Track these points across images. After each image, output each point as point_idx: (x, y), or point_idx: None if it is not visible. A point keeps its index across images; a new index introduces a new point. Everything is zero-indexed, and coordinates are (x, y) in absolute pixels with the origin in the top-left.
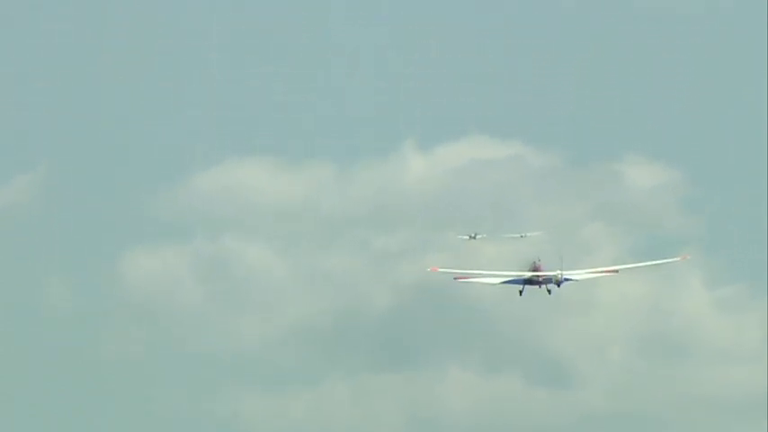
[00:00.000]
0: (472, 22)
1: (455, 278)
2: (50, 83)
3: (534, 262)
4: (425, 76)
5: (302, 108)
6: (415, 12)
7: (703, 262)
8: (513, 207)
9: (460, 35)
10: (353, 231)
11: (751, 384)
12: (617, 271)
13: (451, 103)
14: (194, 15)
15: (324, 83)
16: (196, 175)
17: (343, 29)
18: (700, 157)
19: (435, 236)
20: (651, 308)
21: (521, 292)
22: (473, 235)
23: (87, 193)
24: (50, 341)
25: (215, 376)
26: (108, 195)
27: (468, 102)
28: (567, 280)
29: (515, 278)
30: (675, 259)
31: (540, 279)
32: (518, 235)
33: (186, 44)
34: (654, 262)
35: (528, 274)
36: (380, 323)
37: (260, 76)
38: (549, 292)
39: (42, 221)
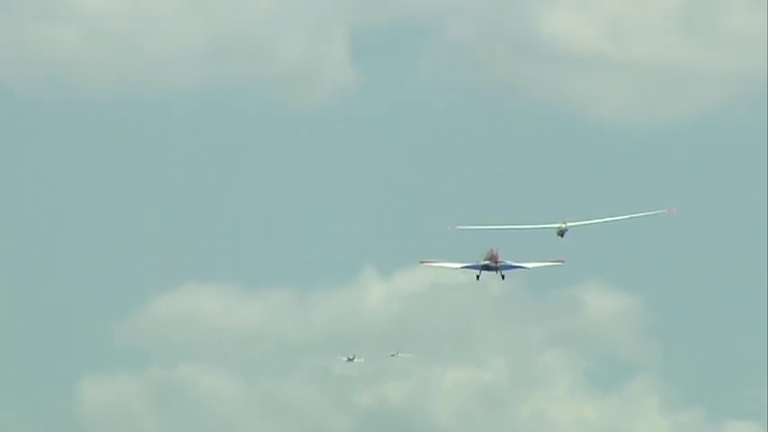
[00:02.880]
0: (424, 149)
1: (421, 262)
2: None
3: (492, 249)
4: (382, 201)
5: (260, 235)
6: (367, 140)
7: (659, 387)
8: (472, 332)
9: (415, 160)
10: (312, 358)
11: None
12: (563, 261)
13: (409, 227)
14: (150, 144)
15: (281, 211)
16: (153, 301)
17: (296, 160)
18: (657, 285)
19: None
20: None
21: (478, 277)
22: (351, 357)
23: (42, 318)
24: None
25: None
26: (63, 321)
27: (426, 227)
28: (519, 268)
29: (474, 264)
30: (661, 211)
31: (498, 265)
32: (390, 354)
33: (143, 170)
34: (636, 214)
35: (486, 262)
36: None
37: (218, 204)
38: (502, 277)
39: None
